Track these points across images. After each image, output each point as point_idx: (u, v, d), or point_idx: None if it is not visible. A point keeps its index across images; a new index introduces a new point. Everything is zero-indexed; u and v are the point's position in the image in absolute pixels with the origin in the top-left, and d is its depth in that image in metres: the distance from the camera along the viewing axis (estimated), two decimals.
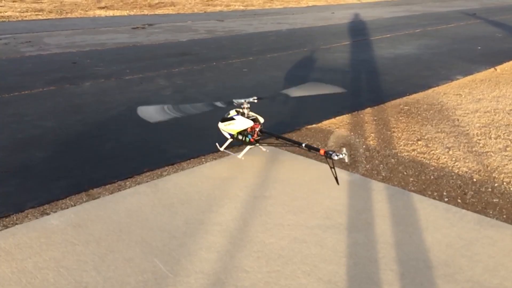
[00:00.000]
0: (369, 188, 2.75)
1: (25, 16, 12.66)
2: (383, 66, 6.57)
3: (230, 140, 3.20)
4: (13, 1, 16.49)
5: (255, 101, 3.10)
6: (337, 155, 2.58)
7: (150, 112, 3.16)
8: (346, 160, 2.62)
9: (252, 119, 3.07)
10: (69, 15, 13.23)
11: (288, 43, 8.65)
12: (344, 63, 6.77)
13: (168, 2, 18.28)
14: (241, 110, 3.11)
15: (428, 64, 6.72)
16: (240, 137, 3.10)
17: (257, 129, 3.05)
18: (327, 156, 2.62)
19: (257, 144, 3.13)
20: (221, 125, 3.16)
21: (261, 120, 3.13)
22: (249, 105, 3.09)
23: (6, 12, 13.31)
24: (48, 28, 10.32)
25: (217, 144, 3.26)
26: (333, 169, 2.63)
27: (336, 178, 2.64)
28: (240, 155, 3.15)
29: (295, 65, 6.62)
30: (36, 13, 13.44)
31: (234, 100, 3.11)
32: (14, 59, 6.89)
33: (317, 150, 2.73)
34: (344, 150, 2.60)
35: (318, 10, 16.24)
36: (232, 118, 3.08)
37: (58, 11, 13.90)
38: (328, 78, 5.78)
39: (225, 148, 3.25)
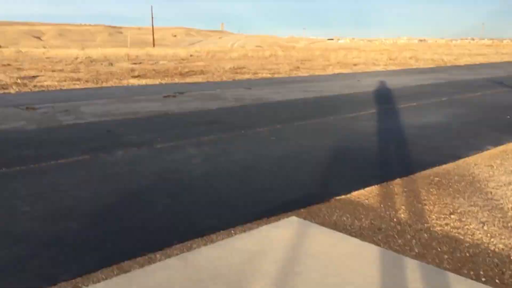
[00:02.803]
0: (402, 265, 2.69)
1: (63, 86, 13.33)
2: (410, 135, 6.58)
3: None
4: (52, 71, 17.45)
5: None
6: None
7: None
8: None
9: None
10: (104, 84, 13.87)
11: (315, 111, 8.80)
12: (372, 132, 6.81)
13: (198, 70, 19.03)
14: None
15: (457, 133, 6.70)
16: None
17: None
18: None
19: None
20: None
21: None
22: None
23: (45, 81, 14.06)
24: (85, 97, 10.82)
25: None
26: None
27: None
28: None
29: (323, 134, 6.70)
30: (74, 82, 14.15)
31: None
32: (52, 128, 7.20)
33: None
34: None
35: (343, 78, 16.59)
36: None
37: (94, 80, 14.61)
38: (356, 146, 5.81)
39: None
